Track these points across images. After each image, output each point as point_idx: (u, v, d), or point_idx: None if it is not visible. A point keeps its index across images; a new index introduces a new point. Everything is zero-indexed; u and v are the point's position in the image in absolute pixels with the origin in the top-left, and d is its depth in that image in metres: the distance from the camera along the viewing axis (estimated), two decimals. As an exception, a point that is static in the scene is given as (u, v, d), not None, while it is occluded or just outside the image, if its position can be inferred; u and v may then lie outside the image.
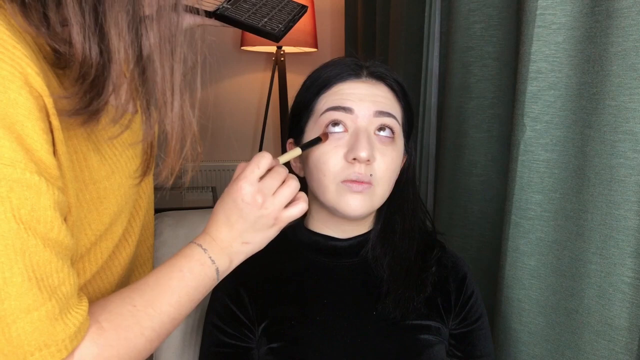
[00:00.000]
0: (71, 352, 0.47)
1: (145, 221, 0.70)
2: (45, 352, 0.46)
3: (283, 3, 0.84)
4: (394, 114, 0.73)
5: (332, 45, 2.59)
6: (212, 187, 2.46)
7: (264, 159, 0.60)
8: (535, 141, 0.84)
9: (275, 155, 0.63)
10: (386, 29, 1.63)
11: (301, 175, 0.78)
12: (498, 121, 1.02)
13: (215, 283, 0.60)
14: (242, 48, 2.32)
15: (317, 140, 0.69)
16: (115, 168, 0.57)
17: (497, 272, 0.93)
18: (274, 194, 0.59)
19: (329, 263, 0.77)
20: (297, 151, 0.67)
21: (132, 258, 0.66)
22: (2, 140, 0.42)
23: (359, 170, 0.69)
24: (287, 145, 0.81)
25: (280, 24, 0.79)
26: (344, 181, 0.69)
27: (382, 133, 0.72)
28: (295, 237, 0.81)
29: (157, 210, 0.80)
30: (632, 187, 0.71)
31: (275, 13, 0.81)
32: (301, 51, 2.36)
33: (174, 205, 2.11)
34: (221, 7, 0.78)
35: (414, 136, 0.80)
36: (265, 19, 0.80)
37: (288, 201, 0.61)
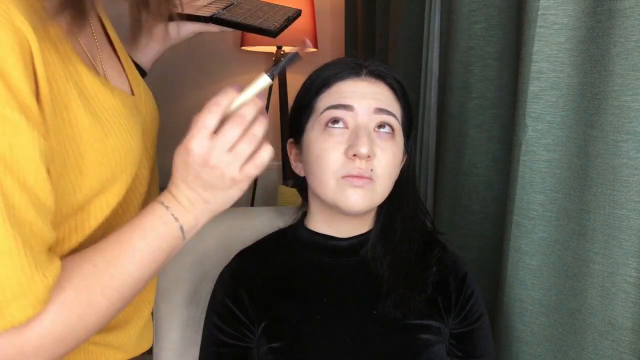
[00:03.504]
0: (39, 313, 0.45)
1: (153, 182, 0.69)
2: (24, 302, 0.44)
3: (276, 9, 0.87)
4: (393, 112, 0.73)
5: (332, 46, 2.59)
6: (211, 188, 2.45)
7: (210, 114, 0.53)
8: (536, 141, 0.84)
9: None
10: (386, 29, 1.63)
11: (301, 174, 0.79)
12: (499, 121, 1.02)
13: (181, 242, 0.57)
14: (242, 48, 2.32)
15: (295, 57, 0.58)
16: (109, 131, 0.55)
17: (498, 272, 0.93)
18: (230, 149, 0.53)
19: (329, 262, 0.77)
20: (266, 80, 0.56)
21: None
22: None
23: (359, 166, 0.69)
24: (288, 146, 0.81)
25: (276, 22, 0.80)
26: (345, 177, 0.69)
27: (382, 130, 0.72)
28: (295, 236, 0.81)
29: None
30: (635, 187, 0.71)
31: (269, 15, 0.83)
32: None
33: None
34: (217, 12, 0.80)
35: (413, 136, 0.80)
36: (261, 20, 0.81)
37: (247, 156, 0.55)
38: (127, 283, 0.53)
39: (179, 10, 0.79)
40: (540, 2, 0.79)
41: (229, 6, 0.84)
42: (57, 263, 0.48)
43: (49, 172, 0.47)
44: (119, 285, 0.52)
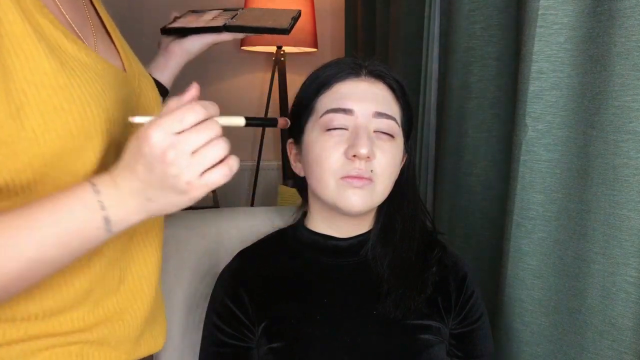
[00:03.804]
0: None
1: None
2: None
3: (278, 12, 0.90)
4: (393, 115, 0.73)
5: (332, 45, 2.59)
6: (211, 187, 2.45)
7: (192, 114, 0.48)
8: (537, 141, 0.84)
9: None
10: (386, 29, 1.63)
11: (301, 174, 0.79)
12: (498, 121, 1.02)
13: (103, 234, 0.50)
14: (242, 48, 2.32)
15: (272, 122, 0.59)
16: (75, 81, 0.53)
17: (498, 272, 0.93)
18: (193, 152, 0.48)
19: (329, 263, 0.77)
20: (241, 121, 0.55)
21: None
22: None
23: (359, 166, 0.69)
24: (288, 146, 0.81)
25: (285, 22, 0.83)
26: (344, 177, 0.69)
27: (381, 131, 0.72)
28: (295, 236, 0.81)
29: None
30: (636, 187, 0.71)
31: (276, 18, 0.86)
32: (301, 51, 2.36)
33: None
34: (228, 21, 0.83)
35: (413, 136, 0.80)
36: (270, 22, 0.84)
37: (210, 164, 0.49)
38: (18, 261, 0.47)
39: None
40: (540, 2, 0.79)
41: (235, 16, 0.88)
42: None
43: None
44: (4, 262, 0.46)
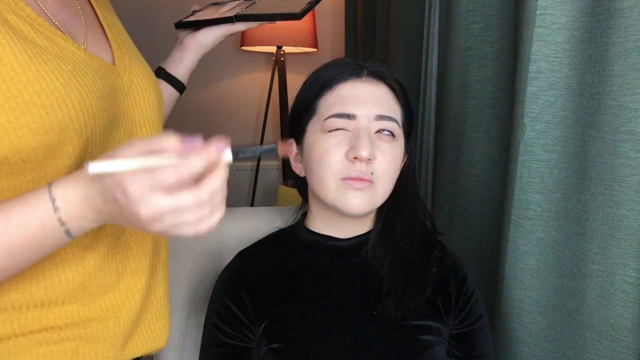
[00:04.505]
0: None
1: None
2: None
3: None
4: (394, 116, 0.74)
5: (332, 45, 2.59)
6: (212, 188, 2.45)
7: (197, 167, 0.44)
8: (535, 141, 0.84)
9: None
10: (386, 29, 1.63)
11: (302, 175, 0.79)
12: (497, 121, 1.02)
13: (63, 242, 0.50)
14: (242, 48, 2.32)
15: (271, 152, 0.52)
16: (45, 72, 0.52)
17: (496, 273, 0.93)
18: (178, 213, 0.45)
19: (330, 263, 0.77)
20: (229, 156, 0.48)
21: None
22: None
23: (359, 168, 0.69)
24: (288, 146, 0.81)
25: (299, 6, 0.82)
26: (345, 179, 0.70)
27: (383, 133, 0.73)
28: (295, 237, 0.81)
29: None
30: (634, 187, 0.71)
31: (292, 4, 0.84)
32: (301, 51, 2.36)
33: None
34: (241, 11, 0.82)
35: (413, 136, 0.81)
36: (284, 8, 0.83)
37: (190, 221, 0.46)
38: None
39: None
40: (539, 1, 0.79)
41: (250, 5, 0.87)
42: None
43: None
44: None
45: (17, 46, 0.51)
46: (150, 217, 0.44)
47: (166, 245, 0.76)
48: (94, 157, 0.53)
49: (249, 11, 0.85)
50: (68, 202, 0.48)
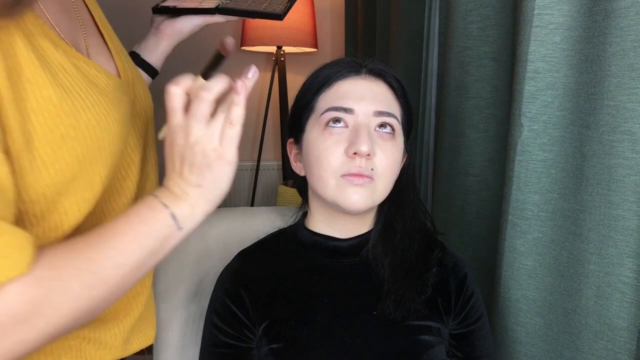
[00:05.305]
0: (3, 284, 0.43)
1: (146, 183, 0.69)
2: None
3: None
4: (393, 113, 0.74)
5: (332, 45, 2.59)
6: (212, 187, 2.45)
7: (176, 96, 0.54)
8: (532, 141, 0.84)
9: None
10: (386, 29, 1.63)
11: (301, 174, 0.79)
12: (495, 121, 1.02)
13: (176, 231, 0.55)
14: (242, 48, 2.32)
15: (219, 57, 0.57)
16: (80, 106, 0.54)
17: (493, 272, 0.93)
18: (205, 123, 0.53)
19: (330, 263, 0.77)
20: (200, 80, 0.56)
21: None
22: None
23: (359, 164, 0.69)
24: (288, 145, 0.81)
25: (280, 4, 0.81)
26: (345, 175, 0.70)
27: (382, 129, 0.72)
28: (295, 237, 0.81)
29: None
30: (631, 187, 0.71)
31: (271, 1, 0.83)
32: (301, 51, 2.36)
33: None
34: (221, 3, 0.81)
35: (413, 135, 0.81)
36: (265, 4, 0.82)
37: (221, 126, 0.54)
38: (107, 267, 0.49)
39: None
40: (536, 1, 0.79)
41: None
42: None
43: (7, 152, 0.46)
44: (97, 269, 0.49)
45: (53, 78, 0.52)
46: (192, 134, 0.52)
47: None
48: (115, 181, 0.58)
49: (230, 4, 0.83)
50: (162, 192, 0.55)
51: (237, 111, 0.53)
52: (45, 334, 0.46)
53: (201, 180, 0.54)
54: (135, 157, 0.67)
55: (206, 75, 0.55)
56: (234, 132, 0.54)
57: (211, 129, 0.53)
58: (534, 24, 0.80)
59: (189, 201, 0.54)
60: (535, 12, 0.79)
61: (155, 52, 0.85)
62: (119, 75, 0.66)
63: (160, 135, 0.58)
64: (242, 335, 0.74)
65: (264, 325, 0.74)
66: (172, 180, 0.55)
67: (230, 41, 0.56)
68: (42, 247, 0.47)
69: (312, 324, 0.73)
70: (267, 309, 0.74)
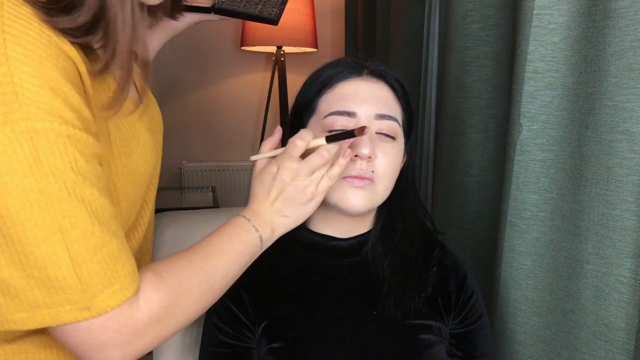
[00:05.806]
0: (135, 294, 0.51)
1: (151, 212, 0.75)
2: (111, 290, 0.50)
3: None
4: (394, 115, 0.74)
5: (332, 45, 2.60)
6: (212, 187, 2.46)
7: (299, 148, 0.65)
8: (531, 141, 0.84)
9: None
10: (386, 29, 1.63)
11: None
12: (494, 121, 1.02)
13: (259, 251, 0.65)
14: (242, 48, 2.33)
15: (350, 134, 0.66)
16: (135, 147, 0.61)
17: (493, 272, 0.93)
18: (312, 172, 0.65)
19: (330, 263, 0.77)
20: (322, 141, 0.67)
21: (140, 244, 0.70)
22: (52, 101, 0.47)
23: (360, 166, 0.69)
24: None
25: (274, 7, 0.82)
26: (345, 177, 0.70)
27: (383, 132, 0.73)
28: (295, 237, 0.81)
29: (157, 210, 0.80)
30: (630, 187, 0.71)
31: (264, 4, 0.84)
32: (301, 51, 2.36)
33: (174, 205, 2.11)
34: (217, 2, 0.81)
35: (413, 136, 0.81)
36: (260, 6, 0.82)
37: (319, 178, 0.65)
38: (217, 279, 0.61)
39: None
40: (536, 1, 0.79)
41: None
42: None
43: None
44: (211, 279, 0.60)
45: (115, 125, 0.59)
46: (292, 175, 0.64)
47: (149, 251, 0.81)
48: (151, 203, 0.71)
49: (226, 4, 0.83)
50: (252, 215, 0.66)
51: (337, 171, 0.66)
52: (172, 331, 0.57)
53: (289, 212, 0.66)
54: (159, 171, 0.73)
55: (330, 139, 0.65)
56: (328, 184, 0.66)
57: (315, 177, 0.65)
58: (533, 24, 0.80)
59: (272, 226, 0.66)
60: (535, 12, 0.80)
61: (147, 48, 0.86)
62: (140, 100, 0.67)
63: (254, 158, 0.71)
64: (242, 335, 0.74)
65: (263, 324, 0.74)
66: (263, 206, 0.66)
67: (367, 131, 0.66)
68: (164, 260, 0.58)
69: (312, 324, 0.73)
70: (267, 309, 0.74)
